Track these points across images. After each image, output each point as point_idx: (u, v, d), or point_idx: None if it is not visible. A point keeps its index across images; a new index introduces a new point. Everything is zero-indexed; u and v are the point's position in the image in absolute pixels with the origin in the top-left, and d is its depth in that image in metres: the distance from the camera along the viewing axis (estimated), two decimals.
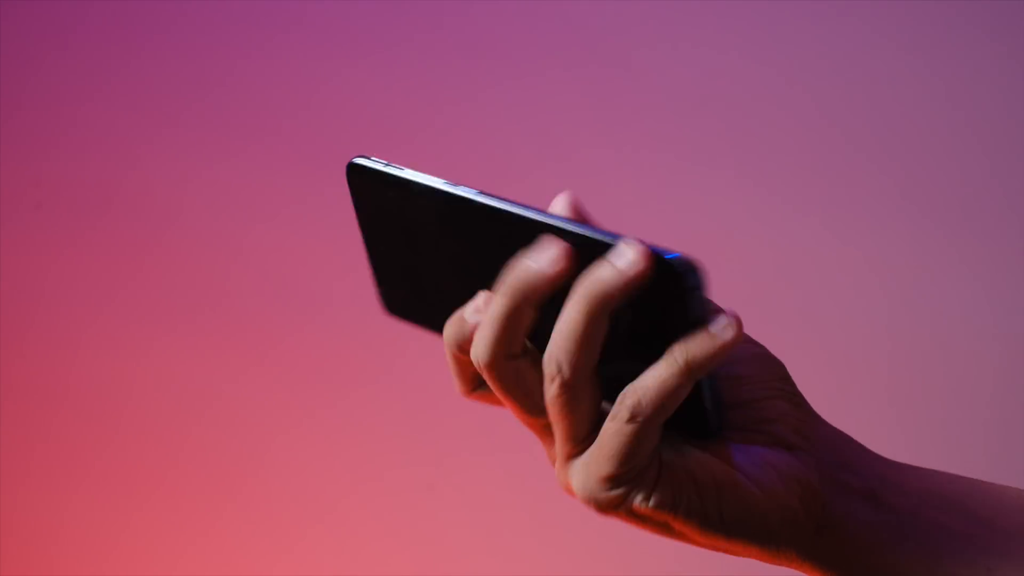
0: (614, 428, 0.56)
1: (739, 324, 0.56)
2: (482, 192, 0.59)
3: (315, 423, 1.57)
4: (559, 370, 0.56)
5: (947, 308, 1.50)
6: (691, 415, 0.57)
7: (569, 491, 0.59)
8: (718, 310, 0.57)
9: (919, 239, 1.51)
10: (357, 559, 1.56)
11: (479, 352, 0.57)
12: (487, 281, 0.59)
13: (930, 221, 1.51)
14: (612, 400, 0.57)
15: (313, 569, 1.56)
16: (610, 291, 0.55)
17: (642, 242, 0.55)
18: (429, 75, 1.55)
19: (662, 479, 0.58)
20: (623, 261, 0.55)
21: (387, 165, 0.62)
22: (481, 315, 0.58)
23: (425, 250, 0.62)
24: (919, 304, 1.51)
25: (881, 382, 1.51)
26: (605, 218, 1.64)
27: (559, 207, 0.60)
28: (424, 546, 1.54)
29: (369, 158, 0.63)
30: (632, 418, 0.56)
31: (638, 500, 0.57)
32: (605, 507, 0.58)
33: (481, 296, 0.58)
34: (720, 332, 0.55)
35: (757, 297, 1.51)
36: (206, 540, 1.57)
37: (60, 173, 1.59)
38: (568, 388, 0.56)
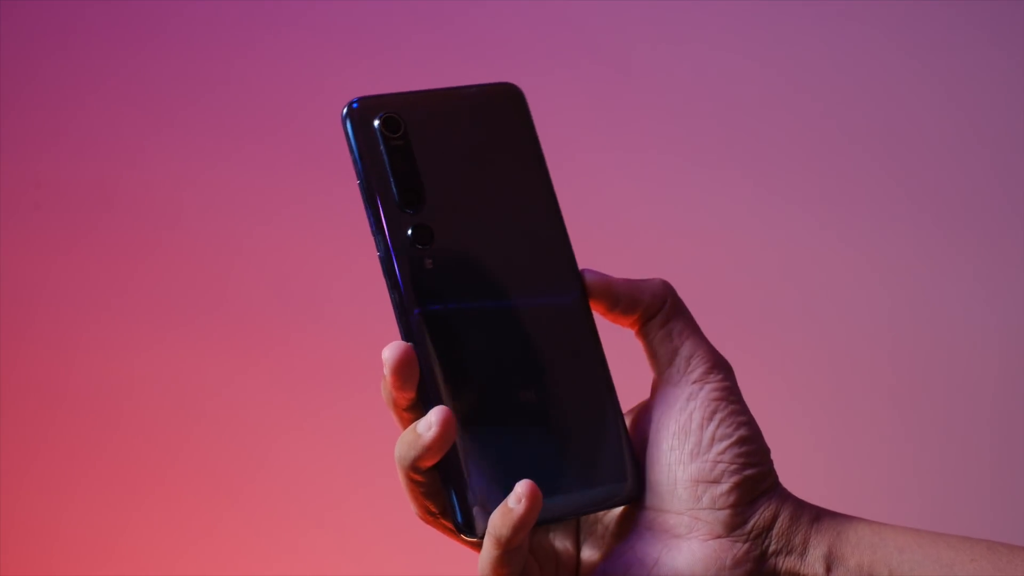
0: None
1: (530, 499, 0.64)
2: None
3: (316, 424, 1.57)
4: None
5: (948, 308, 1.50)
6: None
7: None
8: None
9: (920, 239, 1.51)
10: (357, 560, 1.56)
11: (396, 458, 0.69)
12: None
13: (931, 221, 1.51)
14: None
15: (313, 570, 1.56)
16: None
17: None
18: (429, 75, 1.55)
19: None
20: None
21: None
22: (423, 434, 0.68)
23: None
24: (920, 304, 1.51)
25: (883, 382, 1.51)
26: (606, 218, 1.63)
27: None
28: (425, 547, 1.54)
29: None
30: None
31: None
32: None
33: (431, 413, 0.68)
34: (514, 507, 0.65)
35: (758, 297, 1.51)
36: (206, 541, 1.57)
37: (60, 173, 1.59)
38: None
